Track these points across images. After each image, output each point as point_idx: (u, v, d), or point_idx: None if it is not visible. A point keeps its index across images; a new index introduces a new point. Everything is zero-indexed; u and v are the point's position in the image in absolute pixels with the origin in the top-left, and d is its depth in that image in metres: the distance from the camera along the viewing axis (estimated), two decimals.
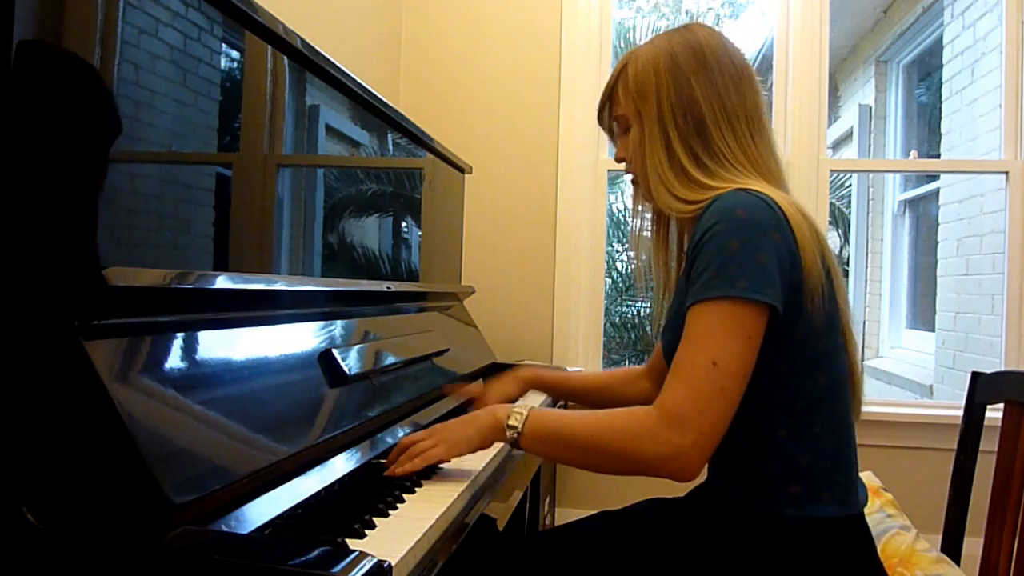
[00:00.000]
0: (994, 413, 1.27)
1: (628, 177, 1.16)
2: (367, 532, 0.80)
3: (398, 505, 0.91)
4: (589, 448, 0.96)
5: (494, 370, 1.84)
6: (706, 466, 1.12)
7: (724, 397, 0.90)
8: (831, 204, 4.44)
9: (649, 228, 1.22)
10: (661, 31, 1.17)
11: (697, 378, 0.90)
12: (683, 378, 0.91)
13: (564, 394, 1.51)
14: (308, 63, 1.10)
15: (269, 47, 1.00)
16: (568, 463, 1.03)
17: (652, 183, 1.07)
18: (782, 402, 0.98)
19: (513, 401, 1.44)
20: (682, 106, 1.04)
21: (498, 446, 1.12)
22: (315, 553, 0.60)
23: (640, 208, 1.22)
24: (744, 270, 0.91)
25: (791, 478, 0.99)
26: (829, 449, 1.00)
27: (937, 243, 3.43)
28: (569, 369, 2.23)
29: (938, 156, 3.54)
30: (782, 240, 0.94)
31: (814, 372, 0.99)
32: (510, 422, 1.00)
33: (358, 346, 1.12)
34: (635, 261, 1.26)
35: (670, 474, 0.91)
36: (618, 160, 1.17)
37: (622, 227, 4.89)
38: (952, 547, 1.31)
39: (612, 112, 1.16)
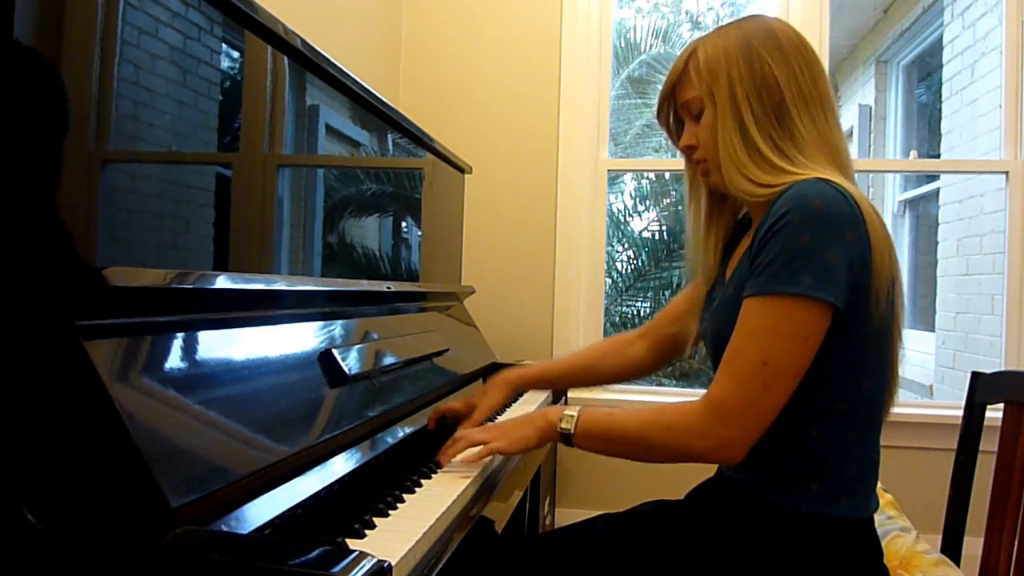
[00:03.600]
0: (994, 413, 1.27)
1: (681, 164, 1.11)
2: (367, 532, 0.80)
3: (398, 505, 0.91)
4: (639, 444, 1.01)
5: (494, 370, 1.83)
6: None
7: (770, 395, 0.92)
8: None
9: (698, 210, 1.16)
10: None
11: (746, 375, 0.92)
12: (732, 373, 0.94)
13: (551, 383, 1.47)
14: (308, 63, 1.10)
15: (269, 47, 1.00)
16: (618, 457, 1.07)
17: (724, 165, 1.03)
18: (823, 403, 0.97)
19: (503, 408, 1.50)
20: (756, 88, 1.01)
21: None
22: (315, 553, 0.61)
23: (693, 197, 1.17)
24: (810, 266, 0.89)
25: (814, 476, 0.98)
26: (857, 455, 0.99)
27: (937, 243, 3.43)
28: None
29: (938, 156, 3.54)
30: (855, 239, 0.91)
31: (861, 378, 0.97)
32: (562, 425, 1.05)
33: (358, 346, 1.12)
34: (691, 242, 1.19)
35: (717, 462, 0.97)
36: (684, 148, 1.11)
37: (622, 227, 4.89)
38: (952, 547, 1.31)
39: (678, 99, 1.10)
